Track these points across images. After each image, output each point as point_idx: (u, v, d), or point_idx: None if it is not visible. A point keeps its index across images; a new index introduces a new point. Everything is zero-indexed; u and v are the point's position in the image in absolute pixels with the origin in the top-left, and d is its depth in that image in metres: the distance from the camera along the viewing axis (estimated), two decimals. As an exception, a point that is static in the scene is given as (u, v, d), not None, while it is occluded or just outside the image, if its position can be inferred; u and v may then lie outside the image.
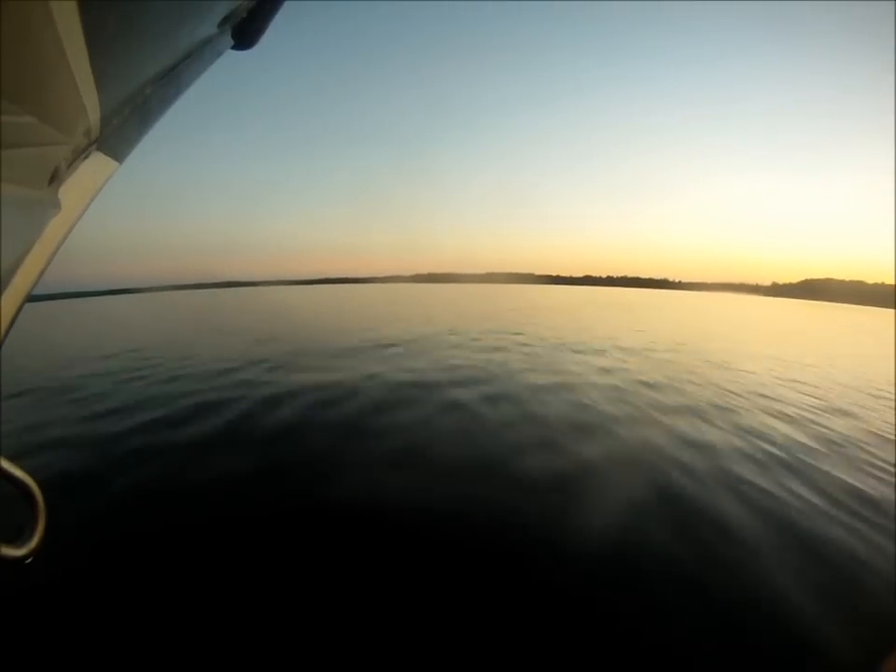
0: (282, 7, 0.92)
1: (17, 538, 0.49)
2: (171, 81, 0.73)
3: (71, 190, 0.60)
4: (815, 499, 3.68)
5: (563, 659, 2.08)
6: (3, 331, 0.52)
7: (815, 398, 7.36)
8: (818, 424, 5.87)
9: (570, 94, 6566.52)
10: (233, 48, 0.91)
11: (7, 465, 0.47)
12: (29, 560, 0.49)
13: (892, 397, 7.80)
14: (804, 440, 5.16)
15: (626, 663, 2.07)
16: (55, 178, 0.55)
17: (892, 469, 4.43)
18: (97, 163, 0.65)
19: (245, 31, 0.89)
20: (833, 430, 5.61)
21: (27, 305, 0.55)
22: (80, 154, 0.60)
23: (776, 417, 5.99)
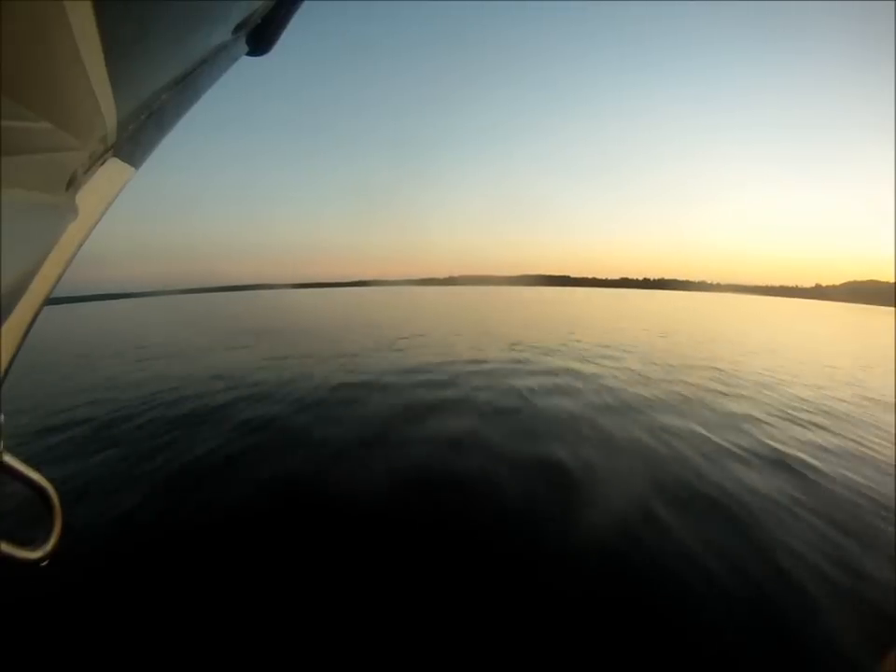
0: (297, 13, 0.92)
1: (33, 540, 0.49)
2: (186, 87, 0.74)
3: (88, 196, 0.61)
4: None
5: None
6: (22, 333, 0.54)
7: None
8: None
9: (604, 97, 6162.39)
10: (248, 54, 0.92)
11: (23, 467, 0.48)
12: (45, 563, 0.49)
13: None
14: None
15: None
16: (72, 184, 0.55)
17: None
18: (114, 169, 0.66)
19: (260, 37, 0.89)
20: None
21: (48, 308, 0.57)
22: (97, 160, 0.61)
23: None
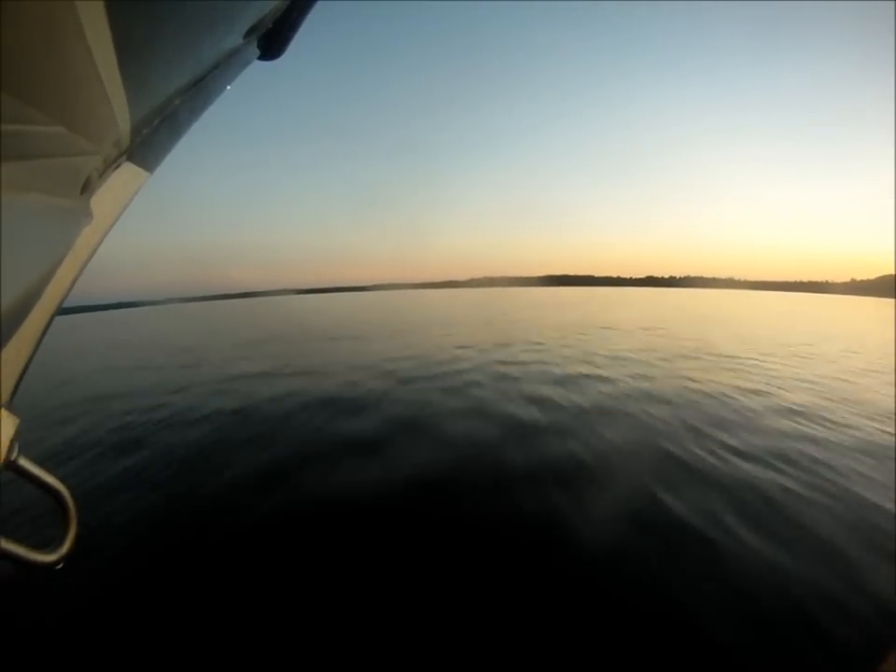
0: (308, 16, 0.92)
1: (48, 543, 0.49)
2: (199, 92, 0.74)
3: (102, 200, 0.61)
4: None
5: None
6: (38, 338, 0.54)
7: None
8: None
9: (626, 95, 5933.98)
10: (260, 58, 0.92)
11: (38, 470, 0.48)
12: (60, 566, 0.49)
13: None
14: None
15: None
16: (87, 188, 0.55)
17: None
18: (128, 173, 0.66)
19: (272, 41, 0.89)
20: None
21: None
22: (111, 164, 0.60)
23: None
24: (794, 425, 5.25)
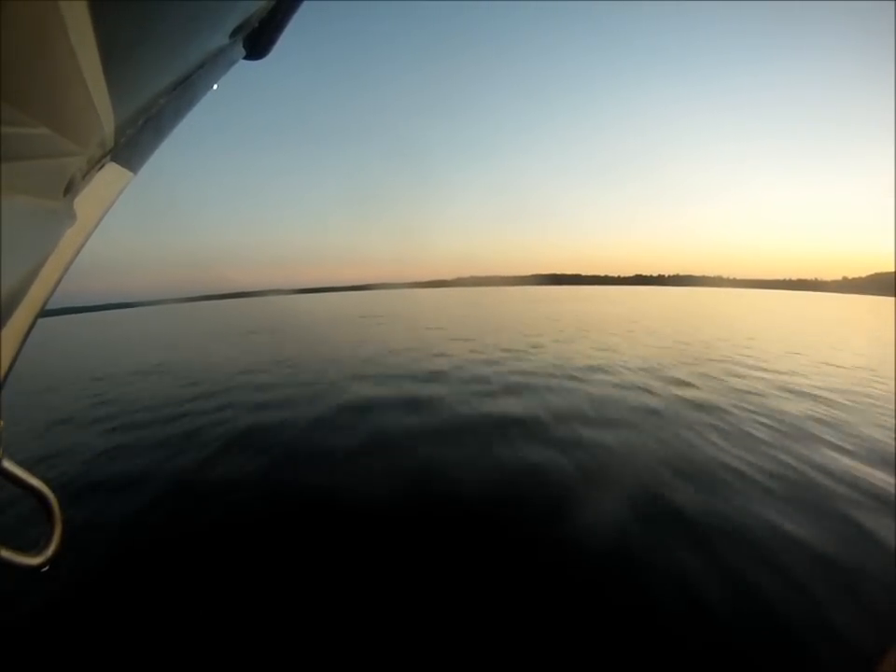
0: (294, 16, 0.92)
1: (33, 546, 0.48)
2: (184, 92, 0.73)
3: (86, 201, 0.61)
4: None
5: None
6: (21, 340, 0.53)
7: None
8: None
9: (613, 95, 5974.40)
10: (246, 58, 0.92)
11: (22, 473, 0.48)
12: (45, 569, 0.48)
13: None
14: None
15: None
16: (70, 189, 0.55)
17: None
18: (112, 174, 0.65)
19: (257, 41, 0.89)
20: None
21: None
22: (95, 165, 0.60)
23: None
24: None
